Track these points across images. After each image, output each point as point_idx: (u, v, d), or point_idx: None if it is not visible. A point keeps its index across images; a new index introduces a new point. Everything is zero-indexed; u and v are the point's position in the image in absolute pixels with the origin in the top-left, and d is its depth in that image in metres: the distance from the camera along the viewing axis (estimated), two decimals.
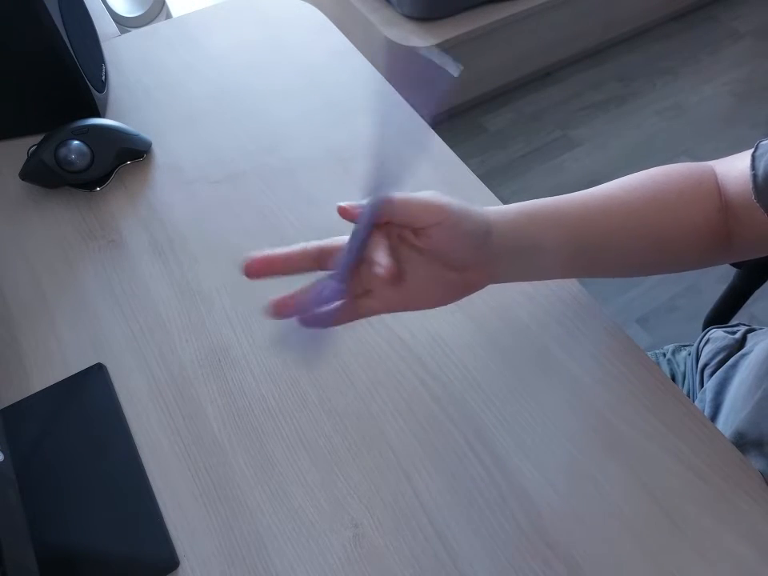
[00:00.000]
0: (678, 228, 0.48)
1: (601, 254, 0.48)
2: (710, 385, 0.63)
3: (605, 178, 0.49)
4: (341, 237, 0.40)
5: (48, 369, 0.54)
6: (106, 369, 0.53)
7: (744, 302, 0.83)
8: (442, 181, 0.66)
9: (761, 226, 0.46)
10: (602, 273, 0.51)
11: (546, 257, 0.46)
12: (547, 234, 0.45)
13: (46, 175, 0.64)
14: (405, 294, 0.42)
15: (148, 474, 0.48)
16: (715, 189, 0.48)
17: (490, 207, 0.44)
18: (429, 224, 0.39)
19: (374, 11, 1.67)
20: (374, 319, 0.55)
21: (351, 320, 0.43)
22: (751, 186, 0.45)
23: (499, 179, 1.72)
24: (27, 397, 0.52)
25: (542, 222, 0.45)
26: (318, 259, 0.41)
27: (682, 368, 0.72)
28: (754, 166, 0.45)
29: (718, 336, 0.69)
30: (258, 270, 0.40)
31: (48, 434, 0.50)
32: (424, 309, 0.44)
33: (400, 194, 0.38)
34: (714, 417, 0.61)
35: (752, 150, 0.47)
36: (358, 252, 0.38)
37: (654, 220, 0.47)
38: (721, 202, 0.48)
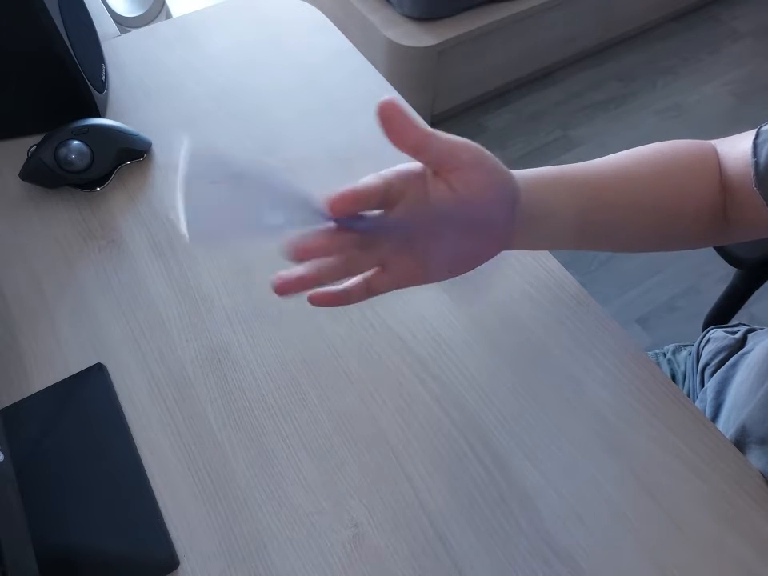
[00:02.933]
0: (683, 204, 0.48)
1: (610, 224, 0.48)
2: (711, 384, 0.63)
3: None
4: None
5: (48, 369, 0.54)
6: (106, 369, 0.53)
7: (744, 302, 0.83)
8: None
9: (758, 212, 0.46)
10: (607, 244, 0.51)
11: (558, 225, 0.45)
12: (563, 202, 0.45)
13: (46, 175, 0.64)
14: (417, 266, 0.40)
15: (148, 474, 0.48)
16: (717, 168, 0.49)
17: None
18: (468, 163, 0.37)
19: (374, 11, 1.67)
20: (374, 319, 0.55)
21: (362, 299, 0.40)
22: (752, 174, 0.45)
23: None
24: (27, 397, 0.52)
25: (558, 190, 0.44)
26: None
27: (682, 368, 0.72)
28: (755, 153, 0.45)
29: (719, 336, 0.69)
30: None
31: (48, 434, 0.50)
32: (432, 281, 0.42)
33: (440, 133, 0.36)
34: (715, 416, 0.61)
35: (753, 134, 0.47)
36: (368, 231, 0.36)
37: (662, 194, 0.48)
38: (721, 182, 0.48)
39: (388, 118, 0.34)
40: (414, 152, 0.36)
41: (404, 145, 0.35)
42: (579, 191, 0.46)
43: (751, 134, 0.47)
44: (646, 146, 0.49)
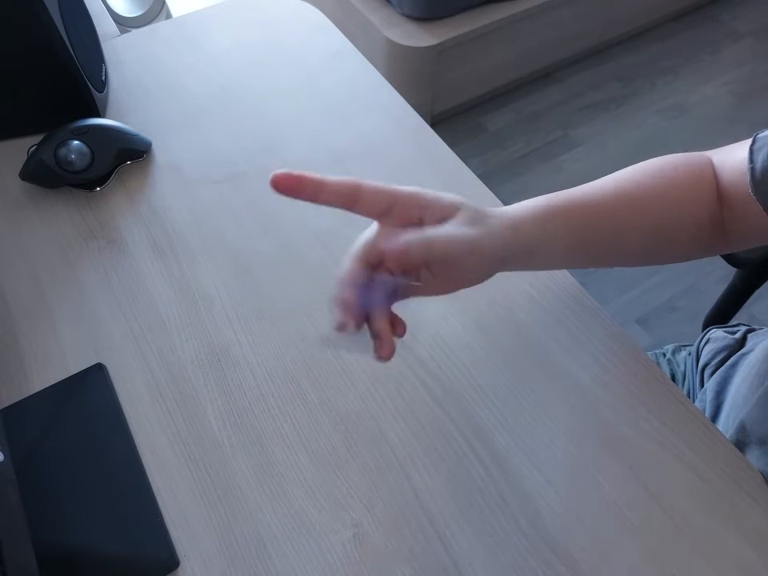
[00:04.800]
0: (684, 223, 0.48)
1: (609, 247, 0.49)
2: (711, 384, 0.63)
3: None
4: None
5: (48, 369, 0.54)
6: (106, 369, 0.53)
7: (744, 302, 0.83)
8: (442, 181, 0.66)
9: (755, 219, 0.46)
10: (605, 263, 0.51)
11: (556, 254, 0.46)
12: (559, 237, 0.45)
13: (46, 175, 0.64)
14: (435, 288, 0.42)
15: (148, 474, 0.48)
16: (714, 181, 0.49)
17: (502, 210, 0.43)
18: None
19: (374, 11, 1.67)
20: None
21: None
22: (748, 180, 0.45)
23: (499, 179, 1.72)
24: (27, 397, 0.52)
25: (555, 226, 0.45)
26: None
27: (682, 368, 0.72)
28: (751, 159, 0.45)
29: (718, 336, 0.69)
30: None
31: (48, 433, 0.50)
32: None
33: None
34: (714, 416, 0.61)
35: (750, 141, 0.46)
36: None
37: (663, 216, 0.48)
38: (718, 193, 0.48)
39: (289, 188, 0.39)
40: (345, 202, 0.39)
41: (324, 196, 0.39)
42: (581, 222, 0.46)
43: (747, 142, 0.47)
44: (644, 164, 0.49)
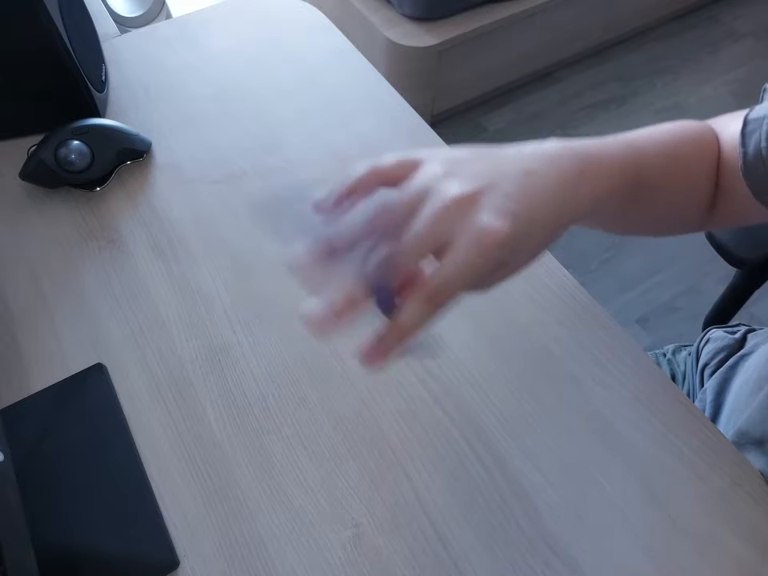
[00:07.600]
0: (706, 187, 0.47)
1: (642, 200, 0.44)
2: (711, 385, 0.63)
3: None
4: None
5: (48, 369, 0.54)
6: (106, 369, 0.53)
7: (744, 302, 0.83)
8: None
9: (741, 199, 0.45)
10: (623, 225, 0.49)
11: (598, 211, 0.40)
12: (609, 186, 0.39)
13: (46, 175, 0.64)
14: None
15: (148, 474, 0.48)
16: (717, 146, 0.47)
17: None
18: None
19: (374, 11, 1.67)
20: (374, 319, 0.55)
21: None
22: (740, 164, 0.44)
23: None
24: (27, 397, 0.52)
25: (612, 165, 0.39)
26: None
27: (682, 368, 0.72)
28: (743, 143, 0.44)
29: (718, 336, 0.69)
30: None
31: (48, 433, 0.50)
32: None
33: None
34: (714, 417, 0.61)
35: (742, 120, 0.45)
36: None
37: (698, 174, 0.46)
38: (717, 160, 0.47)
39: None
40: None
41: None
42: (621, 171, 0.39)
43: (740, 114, 0.46)
44: (674, 123, 0.46)
